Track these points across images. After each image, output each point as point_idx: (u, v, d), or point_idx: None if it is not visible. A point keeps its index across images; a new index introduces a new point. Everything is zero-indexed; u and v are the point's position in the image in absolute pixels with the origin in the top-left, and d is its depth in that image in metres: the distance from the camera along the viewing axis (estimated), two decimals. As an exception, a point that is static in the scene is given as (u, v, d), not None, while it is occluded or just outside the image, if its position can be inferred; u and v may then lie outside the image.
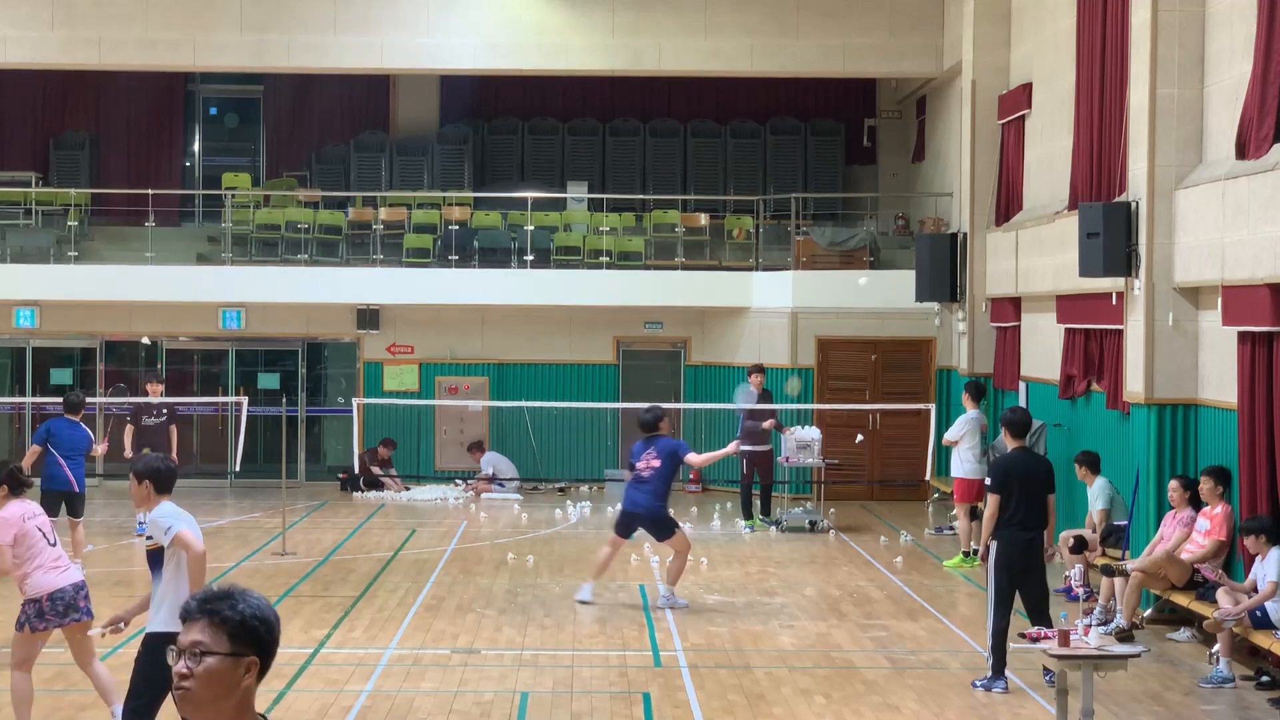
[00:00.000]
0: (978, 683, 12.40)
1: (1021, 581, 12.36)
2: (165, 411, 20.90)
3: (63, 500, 17.29)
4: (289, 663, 13.06)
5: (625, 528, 16.02)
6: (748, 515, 21.43)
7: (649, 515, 15.80)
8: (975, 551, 18.38)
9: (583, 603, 15.74)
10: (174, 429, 20.88)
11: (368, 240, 26.40)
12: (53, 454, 17.29)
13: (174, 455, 20.57)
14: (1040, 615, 12.29)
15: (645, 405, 17.25)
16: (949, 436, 18.99)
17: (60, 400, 18.44)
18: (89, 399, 20.03)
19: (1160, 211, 14.99)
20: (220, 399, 25.39)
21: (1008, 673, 12.33)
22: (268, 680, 13.77)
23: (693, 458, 16.48)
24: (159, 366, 25.51)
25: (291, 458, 25.06)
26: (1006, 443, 12.98)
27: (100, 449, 19.65)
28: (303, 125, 28.98)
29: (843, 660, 13.47)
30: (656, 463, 15.77)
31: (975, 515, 18.57)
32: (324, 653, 13.51)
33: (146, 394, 21.58)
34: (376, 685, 12.43)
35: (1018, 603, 12.52)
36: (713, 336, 26.00)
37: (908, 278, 23.39)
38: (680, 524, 16.36)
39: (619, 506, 16.72)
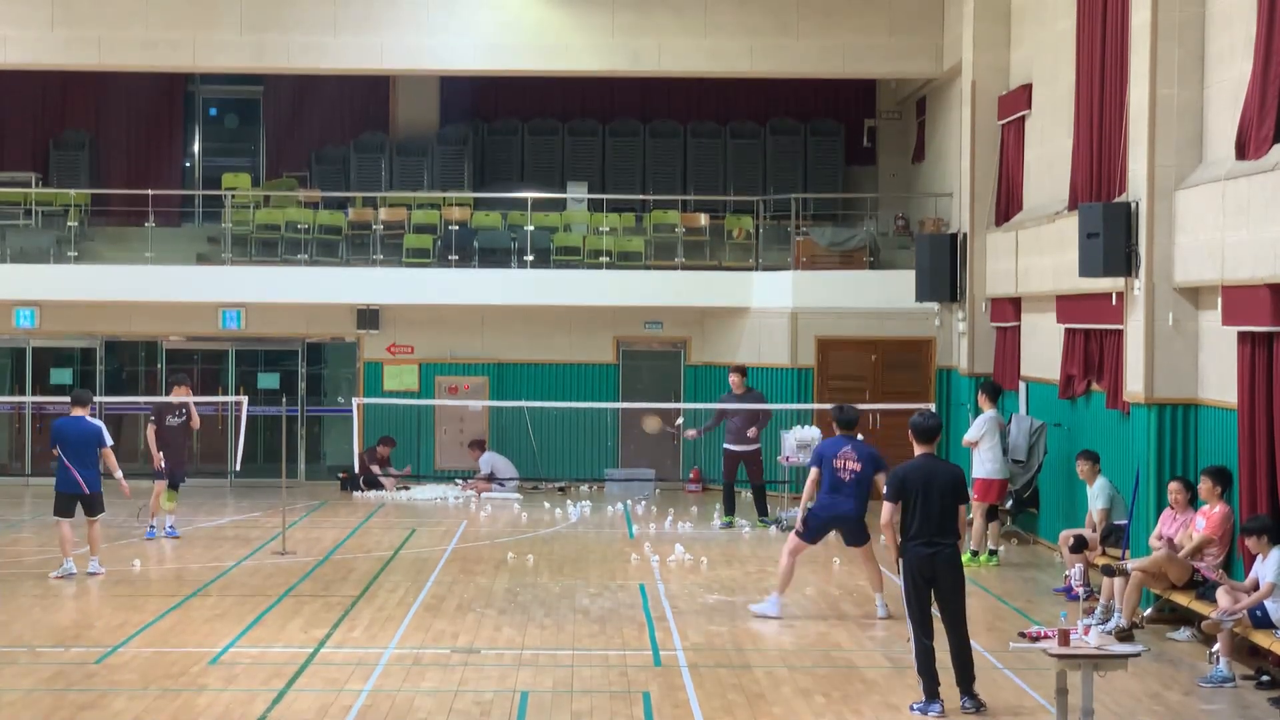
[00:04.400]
0: (914, 706, 11.66)
1: (935, 595, 11.71)
2: (185, 411, 20.48)
3: (76, 502, 16.95)
4: (289, 662, 13.07)
5: (820, 533, 15.48)
6: (728, 512, 21.46)
7: (856, 519, 15.27)
8: (993, 552, 18.44)
9: (764, 616, 15.10)
10: (195, 424, 20.62)
11: (368, 240, 26.39)
12: (62, 456, 17.00)
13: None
14: (956, 630, 11.61)
15: (836, 404, 16.67)
16: (968, 438, 18.90)
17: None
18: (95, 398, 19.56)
19: (1160, 211, 14.99)
20: (220, 399, 25.37)
21: (987, 694, 12.18)
22: (268, 680, 13.73)
23: (881, 479, 14.68)
24: (159, 366, 25.47)
25: (291, 458, 25.06)
26: (914, 448, 12.06)
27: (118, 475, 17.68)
28: (303, 125, 28.97)
29: (843, 660, 13.47)
30: (857, 466, 15.20)
31: (993, 515, 18.59)
32: (324, 652, 13.50)
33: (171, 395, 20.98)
34: (376, 685, 12.42)
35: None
36: (713, 336, 26.01)
37: (908, 278, 23.39)
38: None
39: (795, 512, 15.75)
